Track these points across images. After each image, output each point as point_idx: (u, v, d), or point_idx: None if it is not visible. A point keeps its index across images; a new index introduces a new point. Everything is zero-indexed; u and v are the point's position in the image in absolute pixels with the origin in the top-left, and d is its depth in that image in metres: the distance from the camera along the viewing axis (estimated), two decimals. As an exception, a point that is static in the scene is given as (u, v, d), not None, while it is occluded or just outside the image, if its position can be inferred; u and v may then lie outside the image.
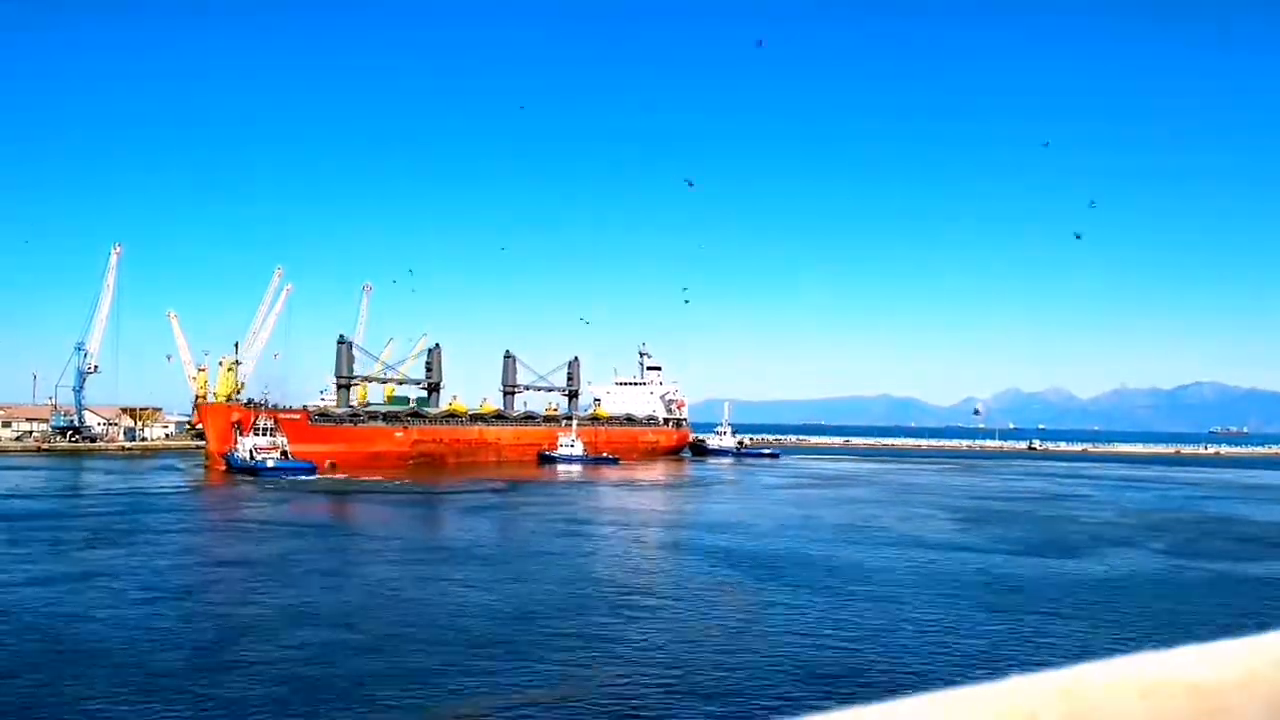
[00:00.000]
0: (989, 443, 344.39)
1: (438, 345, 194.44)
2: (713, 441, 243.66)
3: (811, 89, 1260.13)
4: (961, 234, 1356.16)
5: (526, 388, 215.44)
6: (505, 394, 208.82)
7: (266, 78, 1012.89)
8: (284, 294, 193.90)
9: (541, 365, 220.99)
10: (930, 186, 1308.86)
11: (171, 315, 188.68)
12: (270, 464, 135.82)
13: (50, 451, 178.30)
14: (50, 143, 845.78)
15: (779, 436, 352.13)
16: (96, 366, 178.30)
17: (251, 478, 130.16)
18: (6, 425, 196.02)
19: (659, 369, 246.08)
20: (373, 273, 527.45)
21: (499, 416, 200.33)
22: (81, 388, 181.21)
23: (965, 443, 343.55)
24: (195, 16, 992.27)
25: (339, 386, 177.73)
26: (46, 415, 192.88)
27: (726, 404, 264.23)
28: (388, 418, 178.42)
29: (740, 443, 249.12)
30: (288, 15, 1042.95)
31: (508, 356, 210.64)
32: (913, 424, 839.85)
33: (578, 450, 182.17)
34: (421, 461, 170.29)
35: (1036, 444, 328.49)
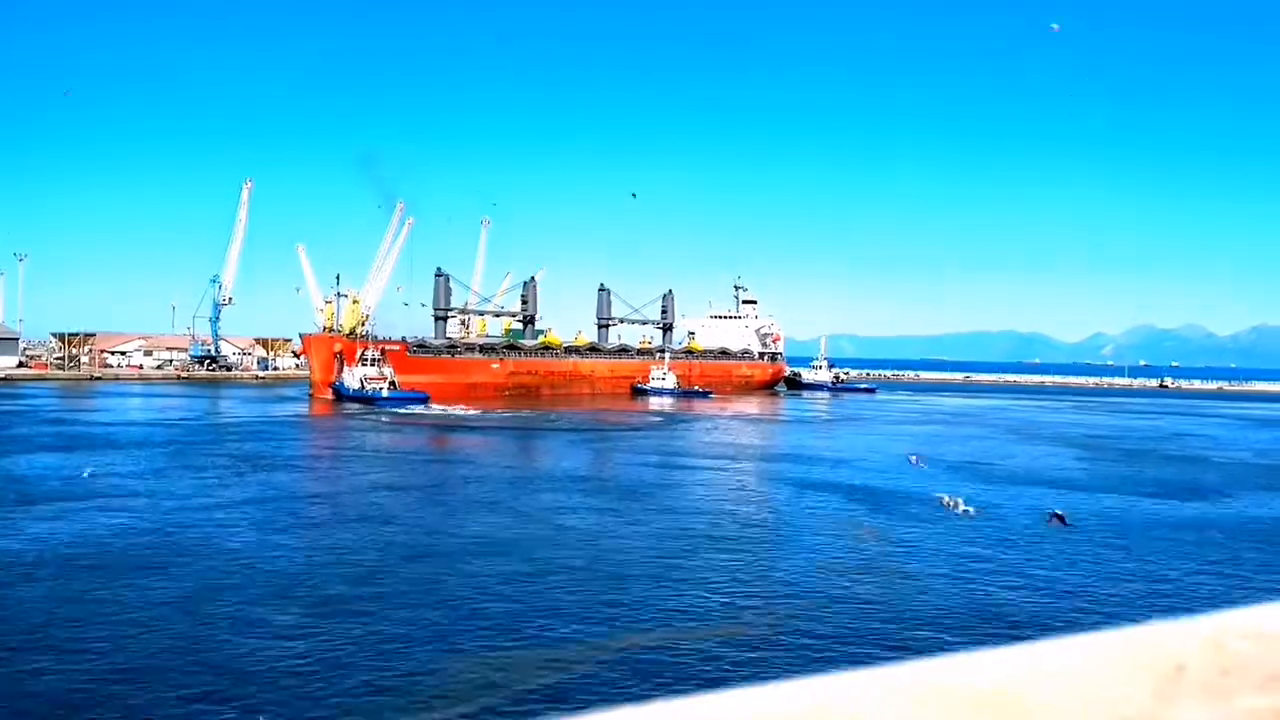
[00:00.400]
0: (1118, 380, 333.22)
1: (533, 279, 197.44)
2: (808, 376, 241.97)
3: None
4: (1091, 159, 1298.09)
5: (620, 320, 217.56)
6: (599, 327, 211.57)
7: (394, 12, 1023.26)
8: (405, 228, 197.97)
9: (638, 298, 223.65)
10: (1056, 108, 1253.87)
11: (300, 248, 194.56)
12: (385, 394, 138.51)
13: (189, 379, 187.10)
14: (187, 83, 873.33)
15: (898, 372, 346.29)
16: (231, 298, 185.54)
17: (365, 407, 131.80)
18: (149, 354, 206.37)
19: (754, 303, 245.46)
20: (491, 208, 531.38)
21: (593, 349, 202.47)
22: (217, 318, 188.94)
23: (1093, 380, 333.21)
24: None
25: (436, 318, 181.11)
26: (185, 345, 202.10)
27: (823, 338, 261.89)
28: (485, 349, 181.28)
29: (836, 377, 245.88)
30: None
31: (602, 289, 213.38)
32: (1038, 360, 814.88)
33: (669, 383, 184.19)
34: (517, 392, 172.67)
35: (1169, 381, 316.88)
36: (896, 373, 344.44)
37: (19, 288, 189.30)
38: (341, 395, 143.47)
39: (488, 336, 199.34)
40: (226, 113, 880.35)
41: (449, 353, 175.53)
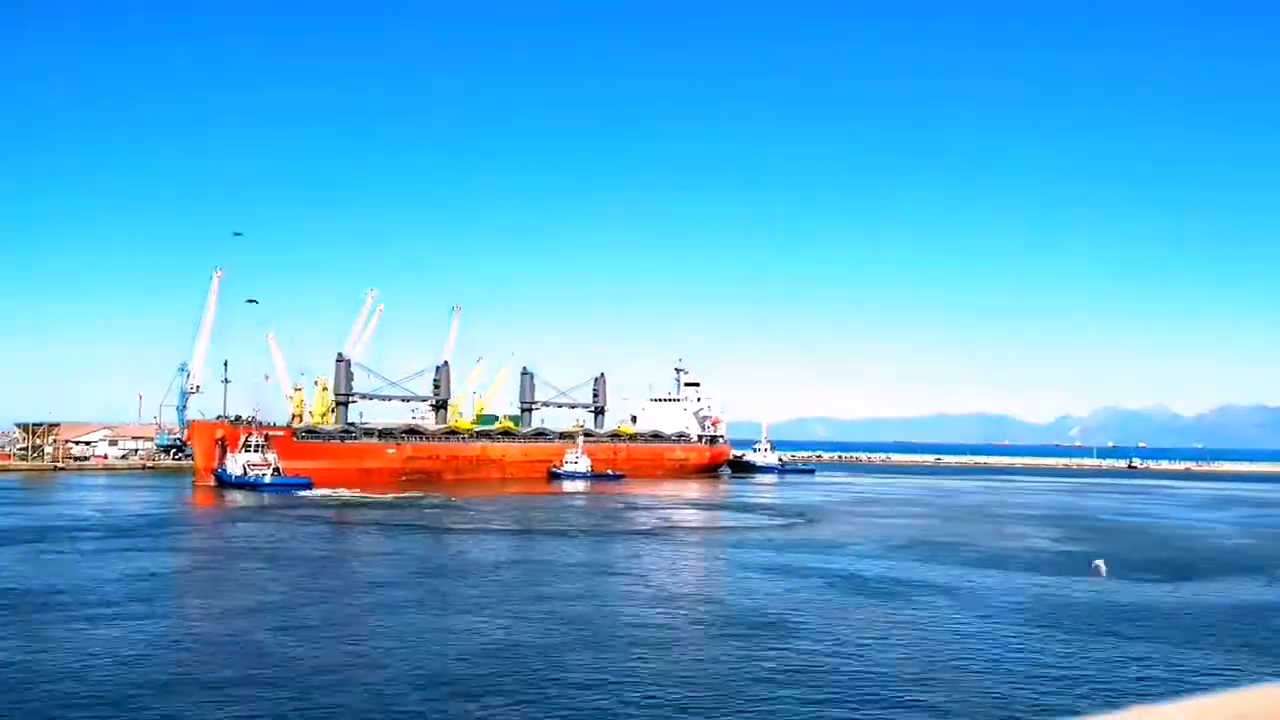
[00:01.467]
0: (1087, 461, 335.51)
1: (445, 364, 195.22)
2: (757, 459, 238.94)
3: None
4: (1058, 246, 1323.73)
5: (545, 404, 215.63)
6: (522, 410, 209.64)
7: (362, 104, 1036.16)
8: (376, 315, 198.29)
9: (570, 381, 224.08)
10: (1028, 196, 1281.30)
11: (270, 336, 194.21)
12: (267, 479, 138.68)
13: (154, 469, 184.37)
14: (154, 168, 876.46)
15: (870, 455, 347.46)
16: (199, 386, 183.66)
17: (247, 493, 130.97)
18: (114, 444, 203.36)
19: (697, 385, 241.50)
20: (463, 295, 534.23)
21: (505, 433, 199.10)
22: (185, 407, 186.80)
23: (1063, 461, 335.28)
24: (269, 41, 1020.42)
25: (337, 403, 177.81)
26: (152, 434, 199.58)
27: (764, 423, 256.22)
28: (383, 434, 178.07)
29: (781, 460, 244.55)
30: (382, 35, 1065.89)
31: (524, 373, 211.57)
32: (1007, 441, 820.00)
33: (582, 467, 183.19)
34: (417, 477, 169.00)
35: (1137, 462, 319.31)
36: (869, 455, 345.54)
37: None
38: (224, 482, 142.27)
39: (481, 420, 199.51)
40: (197, 200, 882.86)
41: (340, 438, 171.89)
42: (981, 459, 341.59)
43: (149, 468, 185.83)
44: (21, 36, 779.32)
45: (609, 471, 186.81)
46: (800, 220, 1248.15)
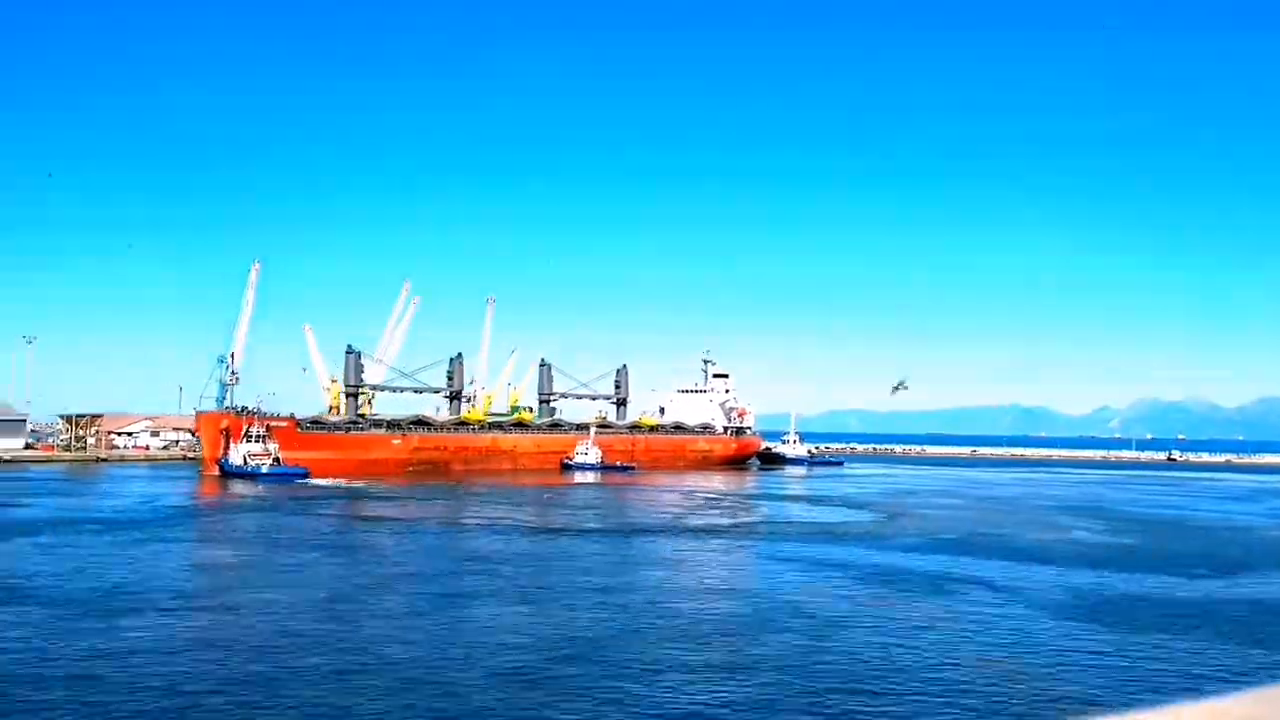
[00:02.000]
0: (1125, 453, 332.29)
1: (459, 355, 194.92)
2: (786, 450, 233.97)
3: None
4: (1099, 235, 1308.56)
5: (564, 395, 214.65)
6: (541, 402, 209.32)
7: (399, 97, 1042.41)
8: (412, 306, 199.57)
9: (594, 371, 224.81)
10: (1064, 186, 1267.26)
11: (307, 328, 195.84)
12: (265, 469, 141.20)
13: (195, 459, 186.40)
14: (197, 166, 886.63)
15: (905, 446, 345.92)
16: (238, 378, 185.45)
17: (245, 483, 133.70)
18: (155, 435, 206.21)
19: (725, 376, 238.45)
20: (497, 286, 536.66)
21: (518, 424, 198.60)
22: (224, 398, 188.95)
23: (1101, 453, 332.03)
24: (334, 36, 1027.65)
25: (346, 394, 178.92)
26: (192, 425, 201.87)
27: (793, 414, 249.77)
28: (390, 425, 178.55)
29: (809, 451, 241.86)
30: (420, 32, 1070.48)
31: (543, 365, 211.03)
32: (1044, 434, 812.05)
33: (592, 458, 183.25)
34: (424, 468, 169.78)
35: (1176, 454, 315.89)
36: (904, 447, 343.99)
37: (27, 369, 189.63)
38: (226, 472, 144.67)
39: (495, 414, 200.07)
40: (237, 192, 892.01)
41: (345, 429, 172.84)
42: (1018, 451, 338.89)
43: (189, 458, 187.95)
44: (66, 33, 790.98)
45: (619, 464, 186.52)
46: (837, 213, 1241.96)
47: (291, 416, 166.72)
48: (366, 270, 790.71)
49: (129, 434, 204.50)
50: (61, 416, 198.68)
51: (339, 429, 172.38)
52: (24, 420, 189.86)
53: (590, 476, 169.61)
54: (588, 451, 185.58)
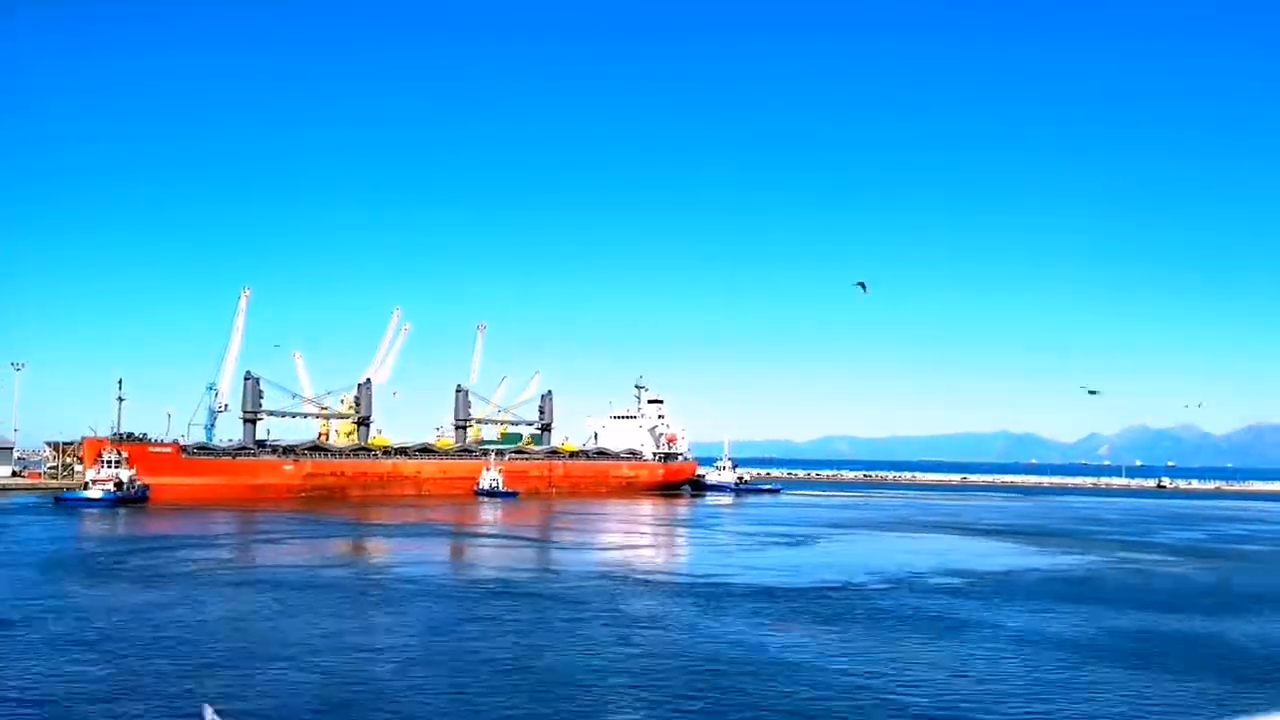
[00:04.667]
0: (1115, 480, 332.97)
1: (368, 381, 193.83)
2: (711, 477, 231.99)
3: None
4: (1084, 266, 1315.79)
5: (481, 421, 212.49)
6: (456, 428, 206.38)
7: (381, 126, 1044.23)
8: (403, 334, 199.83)
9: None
10: (1055, 210, 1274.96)
11: (297, 356, 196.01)
12: (95, 495, 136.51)
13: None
14: (186, 192, 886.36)
15: (896, 474, 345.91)
16: (226, 405, 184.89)
17: (71, 509, 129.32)
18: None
19: (660, 402, 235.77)
20: (487, 313, 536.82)
21: (424, 450, 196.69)
22: (213, 425, 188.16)
23: (1091, 480, 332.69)
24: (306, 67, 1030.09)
25: (245, 421, 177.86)
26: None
27: (726, 440, 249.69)
28: (285, 451, 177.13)
29: (740, 478, 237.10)
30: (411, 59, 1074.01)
31: (459, 390, 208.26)
32: (1034, 460, 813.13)
33: (497, 484, 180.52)
34: (317, 494, 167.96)
35: (1166, 482, 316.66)
36: (896, 474, 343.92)
37: (14, 397, 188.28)
38: (61, 500, 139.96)
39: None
40: (224, 220, 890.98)
41: (234, 455, 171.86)
42: (1008, 478, 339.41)
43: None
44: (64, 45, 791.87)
45: (506, 490, 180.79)
46: (824, 233, 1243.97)
47: (175, 442, 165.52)
48: (358, 299, 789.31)
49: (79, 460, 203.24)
50: (48, 444, 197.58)
51: (227, 455, 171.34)
52: (10, 448, 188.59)
53: (492, 501, 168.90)
54: (493, 478, 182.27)
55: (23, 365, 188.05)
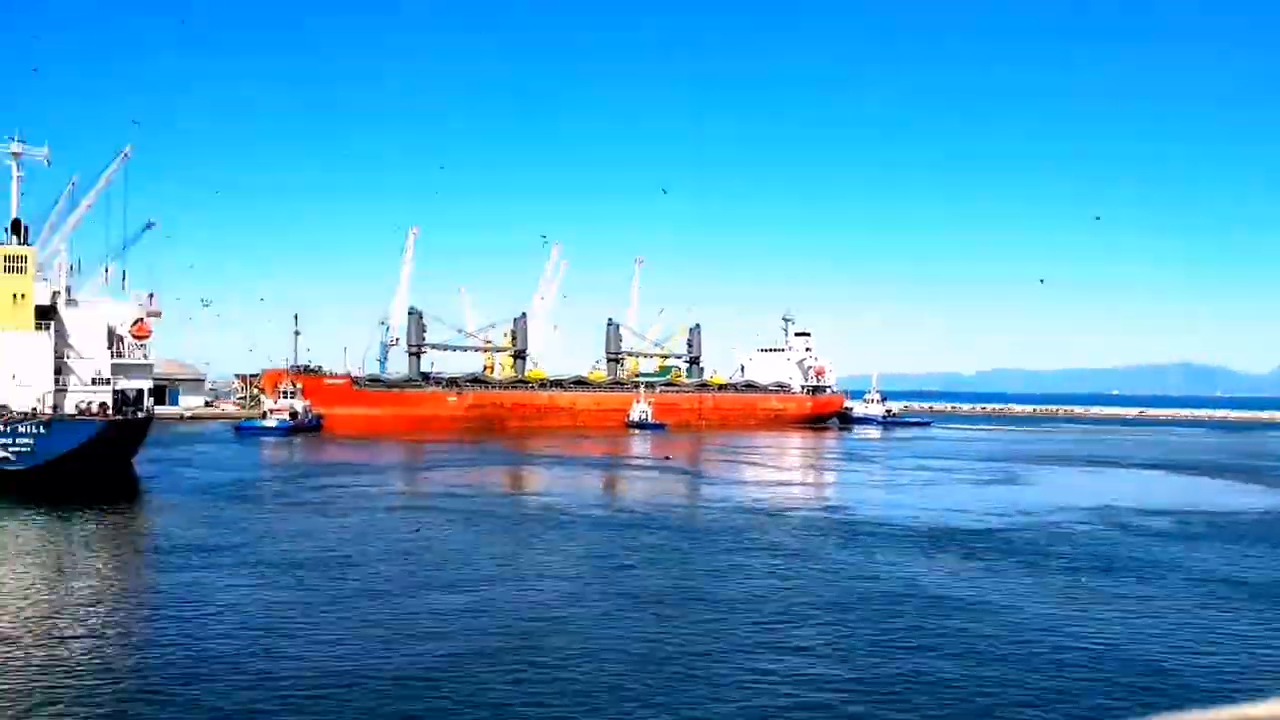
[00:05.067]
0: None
1: (524, 315, 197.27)
2: (858, 409, 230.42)
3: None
4: (1270, 165, 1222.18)
5: (631, 354, 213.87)
6: (609, 360, 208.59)
7: (560, 67, 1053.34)
8: (561, 269, 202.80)
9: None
10: (1232, 111, 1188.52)
11: (462, 290, 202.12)
12: (270, 424, 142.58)
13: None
14: (355, 139, 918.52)
15: (1068, 407, 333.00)
16: (398, 339, 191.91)
17: (251, 438, 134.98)
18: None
19: (807, 335, 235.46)
20: (645, 247, 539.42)
21: (579, 382, 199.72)
22: (385, 359, 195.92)
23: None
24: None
25: (410, 354, 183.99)
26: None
27: (874, 373, 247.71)
28: (449, 383, 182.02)
29: (888, 410, 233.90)
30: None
31: (610, 324, 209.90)
32: (1219, 393, 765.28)
33: (635, 416, 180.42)
34: (478, 425, 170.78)
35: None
36: (1069, 408, 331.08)
37: (205, 332, 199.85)
38: (240, 429, 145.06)
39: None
40: (395, 163, 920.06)
41: (401, 386, 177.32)
42: (1190, 412, 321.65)
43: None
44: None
45: (655, 422, 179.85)
46: (998, 168, 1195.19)
47: (348, 375, 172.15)
48: (519, 232, 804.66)
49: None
50: (236, 375, 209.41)
51: (395, 386, 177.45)
52: (202, 380, 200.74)
53: (642, 433, 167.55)
54: (643, 411, 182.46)
55: (210, 301, 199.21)
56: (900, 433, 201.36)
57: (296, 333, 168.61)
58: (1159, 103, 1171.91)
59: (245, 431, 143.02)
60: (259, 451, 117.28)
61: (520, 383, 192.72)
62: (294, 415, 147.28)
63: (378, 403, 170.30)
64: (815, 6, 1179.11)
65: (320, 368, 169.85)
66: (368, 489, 79.47)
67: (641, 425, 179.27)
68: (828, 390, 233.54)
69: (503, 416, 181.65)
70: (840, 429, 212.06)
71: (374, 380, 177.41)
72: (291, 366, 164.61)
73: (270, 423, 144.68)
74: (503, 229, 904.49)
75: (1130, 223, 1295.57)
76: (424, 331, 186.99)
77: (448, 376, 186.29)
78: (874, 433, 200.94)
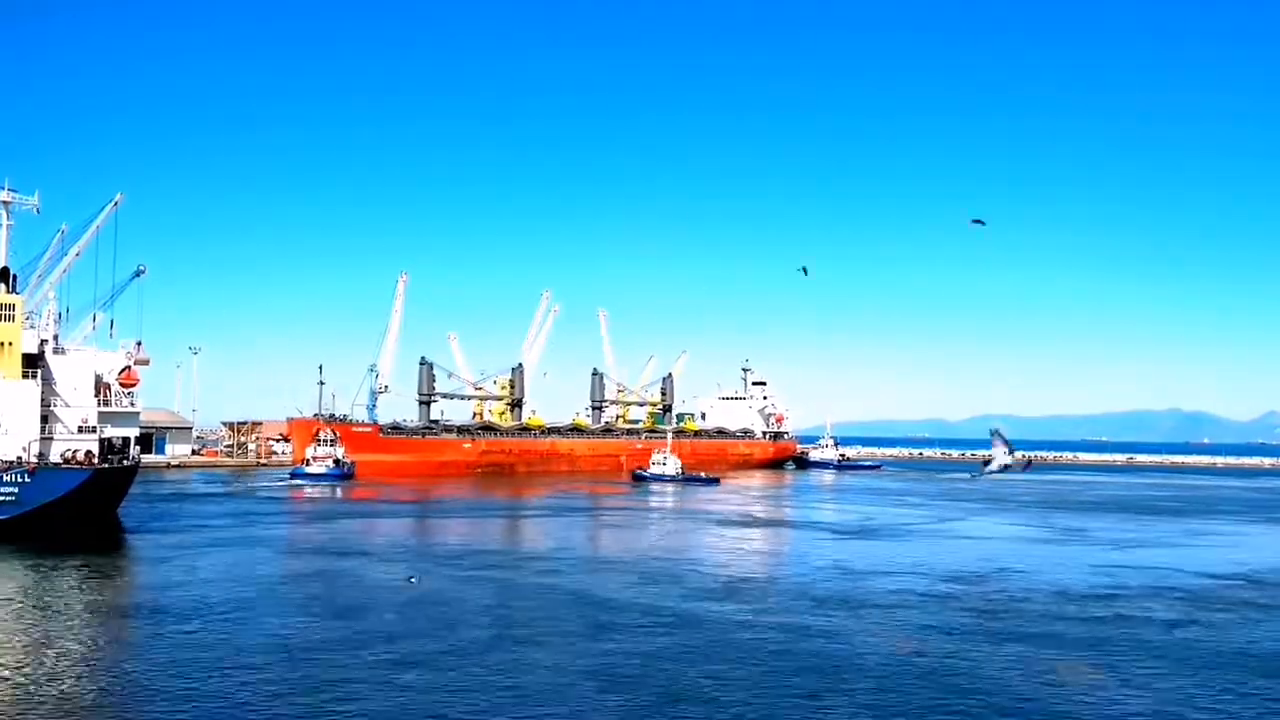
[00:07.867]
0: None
1: (520, 366, 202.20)
2: (814, 454, 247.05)
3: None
4: (1260, 231, 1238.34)
5: (613, 402, 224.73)
6: (593, 409, 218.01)
7: (531, 116, 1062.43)
8: (551, 316, 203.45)
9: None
10: (1220, 178, 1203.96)
11: (452, 337, 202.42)
12: (313, 470, 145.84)
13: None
14: (345, 178, 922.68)
15: (1056, 454, 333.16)
16: (387, 386, 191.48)
17: (305, 482, 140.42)
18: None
19: (763, 384, 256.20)
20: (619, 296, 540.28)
21: (575, 429, 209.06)
22: (375, 405, 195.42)
23: (1270, 460, 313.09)
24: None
25: (420, 403, 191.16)
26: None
27: (828, 420, 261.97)
28: (460, 430, 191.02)
29: (842, 455, 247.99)
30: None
31: (595, 374, 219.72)
32: (1206, 440, 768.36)
33: (670, 469, 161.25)
34: (490, 470, 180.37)
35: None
36: (1056, 454, 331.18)
37: (194, 379, 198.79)
38: (294, 475, 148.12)
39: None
40: (384, 209, 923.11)
41: (422, 434, 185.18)
42: (1179, 458, 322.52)
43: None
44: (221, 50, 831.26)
45: (702, 474, 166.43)
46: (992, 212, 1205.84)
47: (375, 423, 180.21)
48: (509, 283, 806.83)
49: (285, 440, 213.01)
50: (224, 423, 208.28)
51: (416, 434, 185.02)
52: (190, 428, 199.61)
53: (669, 488, 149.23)
54: (665, 460, 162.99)
55: (199, 349, 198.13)
56: (849, 475, 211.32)
57: (321, 382, 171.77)
58: (1146, 152, 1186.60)
59: (297, 478, 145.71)
60: (326, 495, 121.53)
61: (524, 430, 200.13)
62: (337, 462, 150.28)
63: (401, 449, 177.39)
64: (757, 59, 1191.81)
65: (346, 416, 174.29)
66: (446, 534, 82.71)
67: (687, 479, 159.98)
68: (785, 435, 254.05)
69: (511, 462, 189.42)
70: (797, 470, 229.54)
71: (396, 428, 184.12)
72: (317, 415, 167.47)
73: (317, 469, 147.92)
74: (491, 273, 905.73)
75: (1126, 271, 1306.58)
76: (433, 381, 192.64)
77: (457, 425, 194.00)
78: (828, 475, 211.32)
